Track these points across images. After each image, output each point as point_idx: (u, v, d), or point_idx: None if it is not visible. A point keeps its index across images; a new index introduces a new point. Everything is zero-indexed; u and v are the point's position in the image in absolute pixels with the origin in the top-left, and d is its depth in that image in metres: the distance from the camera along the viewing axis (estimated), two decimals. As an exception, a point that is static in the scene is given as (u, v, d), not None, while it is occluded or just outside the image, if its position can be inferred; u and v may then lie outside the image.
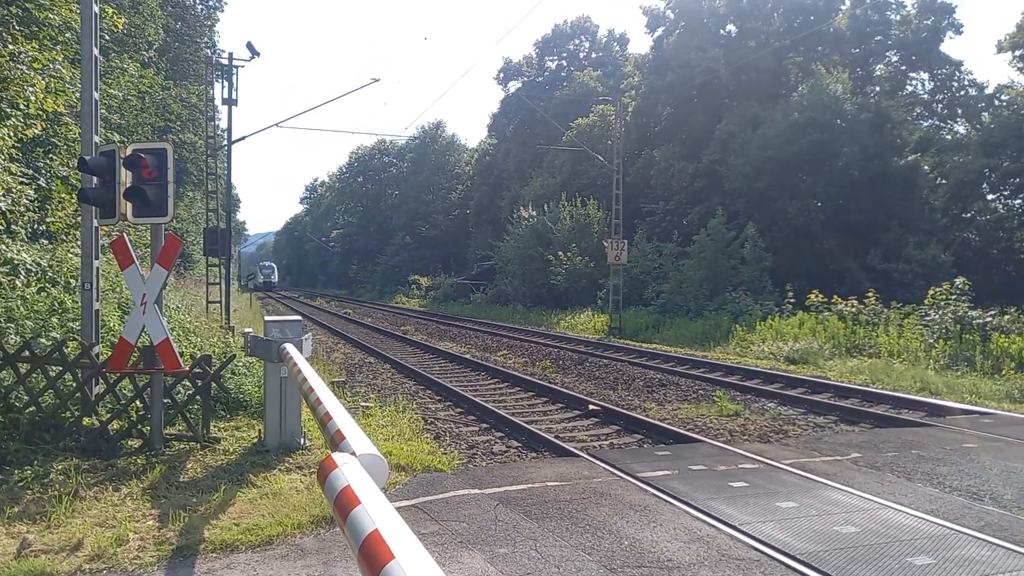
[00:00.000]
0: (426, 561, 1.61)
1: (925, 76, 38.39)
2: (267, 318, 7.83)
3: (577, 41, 63.02)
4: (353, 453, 2.66)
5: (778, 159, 29.86)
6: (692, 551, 4.93)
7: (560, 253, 35.31)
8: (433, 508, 5.82)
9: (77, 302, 9.85)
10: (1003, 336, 15.32)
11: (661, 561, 4.76)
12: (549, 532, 5.26)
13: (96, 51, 7.71)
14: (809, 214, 29.14)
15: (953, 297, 17.70)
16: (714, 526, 5.40)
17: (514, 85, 63.27)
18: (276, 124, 24.16)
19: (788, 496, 6.12)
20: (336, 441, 3.02)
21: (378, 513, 1.91)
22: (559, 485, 6.47)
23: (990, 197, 32.42)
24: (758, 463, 7.22)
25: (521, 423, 9.55)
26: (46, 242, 12.75)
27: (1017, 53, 31.41)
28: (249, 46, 21.63)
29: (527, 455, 8.39)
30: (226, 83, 22.50)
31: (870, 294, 20.11)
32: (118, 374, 7.65)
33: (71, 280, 10.97)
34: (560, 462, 7.51)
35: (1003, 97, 34.03)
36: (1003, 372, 13.89)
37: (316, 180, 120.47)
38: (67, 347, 7.95)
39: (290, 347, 6.69)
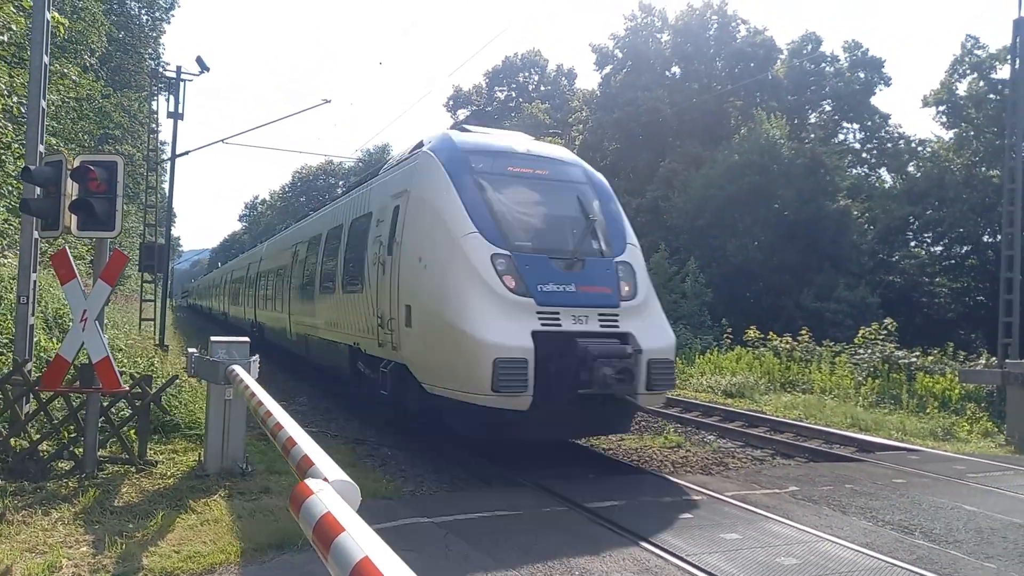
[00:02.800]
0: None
1: (856, 126, 40.40)
2: (213, 339, 7.65)
3: (527, 74, 64.09)
4: (325, 479, 2.65)
5: (719, 198, 30.86)
6: (642, 582, 4.99)
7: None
8: (383, 537, 5.73)
9: (6, 315, 9.44)
10: (927, 376, 16.06)
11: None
12: (499, 563, 5.25)
13: (46, 59, 7.50)
14: (747, 252, 30.12)
15: (881, 337, 18.50)
16: (662, 557, 5.48)
17: (463, 113, 63.76)
18: (222, 140, 23.74)
19: (732, 528, 6.26)
20: (303, 467, 2.99)
21: (365, 540, 1.91)
22: (508, 515, 6.47)
23: (913, 243, 34.17)
24: (702, 495, 7.37)
25: (468, 451, 9.50)
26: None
27: (940, 108, 33.37)
28: (199, 60, 21.30)
29: (475, 484, 8.36)
30: (172, 96, 22.04)
31: (803, 332, 20.83)
32: (51, 393, 7.34)
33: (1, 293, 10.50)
34: (509, 492, 7.51)
35: (927, 149, 36.05)
36: (927, 410, 14.55)
37: (256, 198, 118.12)
38: (-4, 363, 7.60)
39: (239, 369, 6.56)
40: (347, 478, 2.72)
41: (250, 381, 5.69)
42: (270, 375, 14.25)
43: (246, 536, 5.61)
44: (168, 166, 24.24)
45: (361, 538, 1.92)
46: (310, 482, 2.52)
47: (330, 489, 2.46)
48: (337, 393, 13.88)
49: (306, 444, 3.22)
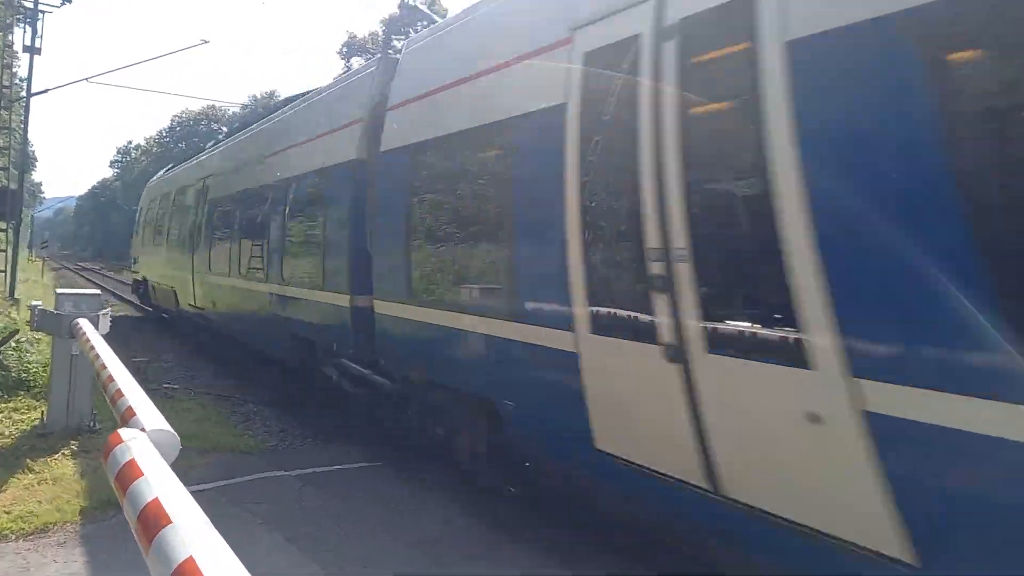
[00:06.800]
0: (203, 524, 1.68)
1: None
2: (59, 291, 7.25)
3: (425, 24, 62.76)
4: (143, 429, 2.63)
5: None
6: (489, 529, 5.23)
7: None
8: (234, 491, 5.71)
9: None
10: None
11: (470, 537, 5.04)
12: (352, 511, 5.36)
13: None
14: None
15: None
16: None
17: (357, 61, 61.70)
18: (86, 79, 22.04)
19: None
20: (126, 418, 2.95)
21: (160, 483, 1.94)
22: (369, 466, 6.58)
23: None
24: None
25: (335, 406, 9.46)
26: None
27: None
28: (58, -11, 19.54)
29: (339, 438, 8.35)
30: (29, 28, 20.16)
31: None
32: None
33: None
34: (372, 443, 7.59)
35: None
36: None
37: (131, 143, 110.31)
38: None
39: (83, 322, 6.26)
40: (167, 427, 2.72)
41: (92, 333, 5.45)
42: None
43: (87, 494, 5.44)
44: (23, 104, 22.23)
45: (156, 481, 1.94)
46: (123, 431, 2.50)
47: (143, 438, 2.45)
48: (205, 349, 13.46)
49: (133, 396, 3.17)
